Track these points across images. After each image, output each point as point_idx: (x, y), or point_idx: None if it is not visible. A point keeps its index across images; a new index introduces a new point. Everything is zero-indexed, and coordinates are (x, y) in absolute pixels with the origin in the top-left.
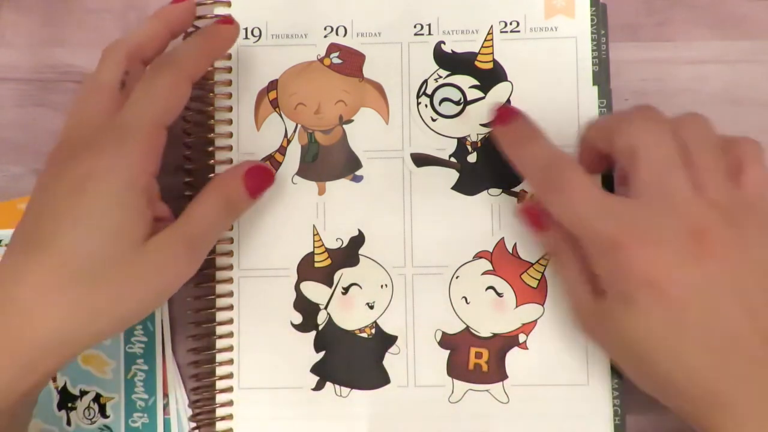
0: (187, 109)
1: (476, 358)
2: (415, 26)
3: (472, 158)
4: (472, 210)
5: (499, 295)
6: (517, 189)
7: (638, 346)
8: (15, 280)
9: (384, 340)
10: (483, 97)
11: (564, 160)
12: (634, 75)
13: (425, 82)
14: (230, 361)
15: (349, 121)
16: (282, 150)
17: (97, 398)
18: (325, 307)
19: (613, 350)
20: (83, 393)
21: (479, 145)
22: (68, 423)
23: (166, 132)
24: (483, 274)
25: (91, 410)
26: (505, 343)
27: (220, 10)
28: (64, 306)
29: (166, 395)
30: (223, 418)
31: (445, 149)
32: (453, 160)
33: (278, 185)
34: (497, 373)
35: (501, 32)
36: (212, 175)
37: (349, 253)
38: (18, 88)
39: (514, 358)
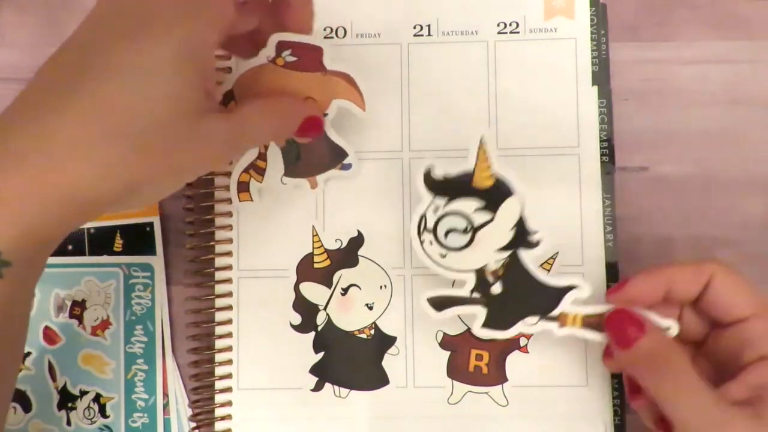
0: None
1: (477, 360)
2: (414, 27)
3: (496, 289)
4: None
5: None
6: (555, 313)
7: None
8: (53, 128)
9: (383, 341)
10: (492, 219)
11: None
12: (634, 75)
13: (423, 217)
14: (229, 362)
15: (324, 116)
16: (262, 156)
17: (97, 398)
18: (325, 308)
19: None
20: (83, 393)
21: (501, 273)
22: (68, 423)
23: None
24: None
25: (91, 410)
26: (506, 346)
27: None
28: (100, 165)
29: (166, 395)
30: (222, 418)
31: (464, 284)
32: (476, 295)
33: (269, 188)
34: (497, 375)
35: (500, 33)
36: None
37: (348, 254)
38: (18, 88)
39: (514, 362)
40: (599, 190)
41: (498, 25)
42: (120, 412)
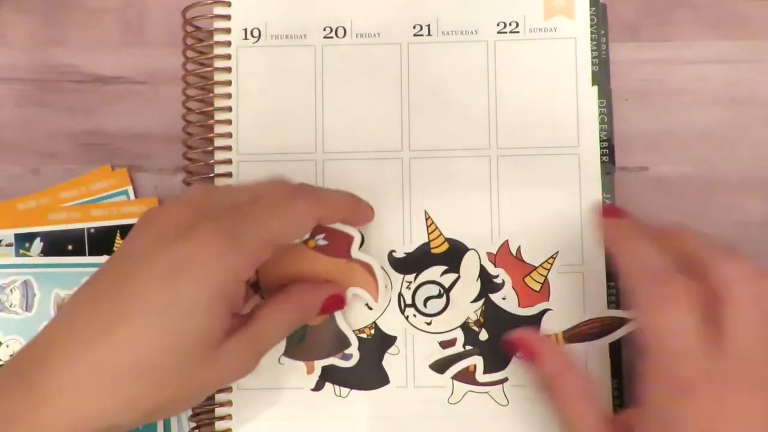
0: (187, 109)
1: None
2: (414, 27)
3: (483, 336)
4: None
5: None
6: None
7: None
8: (85, 366)
9: (383, 341)
10: (459, 277)
11: (671, 270)
12: (634, 75)
13: (400, 295)
14: None
15: None
16: None
17: None
18: None
19: None
20: None
21: (482, 320)
22: None
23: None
24: None
25: None
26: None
27: (219, 10)
28: (124, 399)
29: None
30: (222, 418)
31: (455, 340)
32: (469, 347)
33: (265, 365)
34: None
35: (500, 33)
36: (212, 175)
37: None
38: (18, 88)
39: (514, 361)
40: (599, 190)
41: (498, 24)
42: None
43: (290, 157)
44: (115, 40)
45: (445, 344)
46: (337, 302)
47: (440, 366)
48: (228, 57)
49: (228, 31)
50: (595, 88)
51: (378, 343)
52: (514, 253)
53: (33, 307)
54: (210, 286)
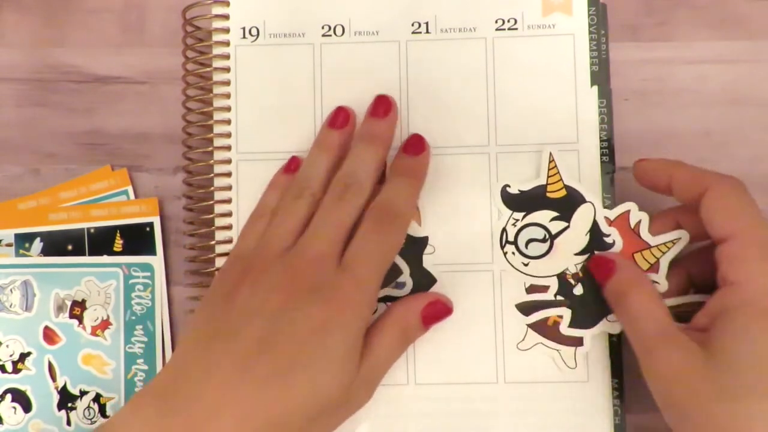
0: (187, 109)
1: None
2: (412, 24)
3: (578, 291)
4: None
5: None
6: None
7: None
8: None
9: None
10: (568, 226)
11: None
12: (634, 75)
13: (504, 230)
14: None
15: None
16: None
17: (97, 398)
18: None
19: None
20: (83, 393)
21: (581, 275)
22: (68, 423)
23: None
24: None
25: (91, 410)
26: None
27: (218, 10)
28: None
29: None
30: None
31: (548, 288)
32: (560, 298)
33: None
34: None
35: (498, 30)
36: (212, 175)
37: None
38: (18, 88)
39: (602, 323)
40: (599, 189)
41: (496, 21)
42: None
43: (290, 155)
44: (115, 40)
45: (534, 289)
46: (439, 309)
47: (526, 308)
48: (227, 57)
49: (227, 30)
50: (595, 88)
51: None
52: (632, 225)
53: (33, 307)
54: (352, 337)
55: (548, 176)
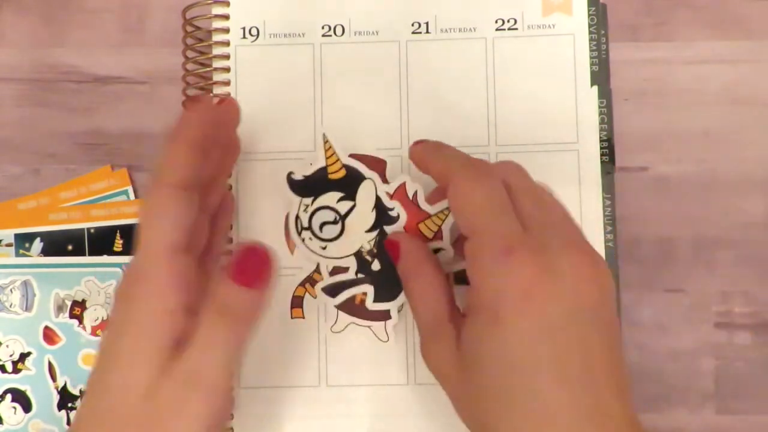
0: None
1: None
2: (412, 24)
3: (376, 266)
4: None
5: None
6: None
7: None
8: None
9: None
10: (354, 205)
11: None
12: (634, 75)
13: (297, 217)
14: None
15: None
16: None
17: None
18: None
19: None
20: (83, 393)
21: (375, 250)
22: (68, 423)
23: (188, 255)
24: None
25: None
26: None
27: (218, 10)
28: None
29: None
30: None
31: (348, 268)
32: (361, 275)
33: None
34: None
35: (498, 30)
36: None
37: None
38: (18, 88)
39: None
40: (599, 190)
41: (496, 21)
42: None
43: (289, 155)
44: (115, 40)
45: (337, 270)
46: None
47: (332, 289)
48: (227, 56)
49: (227, 30)
50: (595, 88)
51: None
52: (410, 196)
53: (33, 307)
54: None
55: (326, 158)
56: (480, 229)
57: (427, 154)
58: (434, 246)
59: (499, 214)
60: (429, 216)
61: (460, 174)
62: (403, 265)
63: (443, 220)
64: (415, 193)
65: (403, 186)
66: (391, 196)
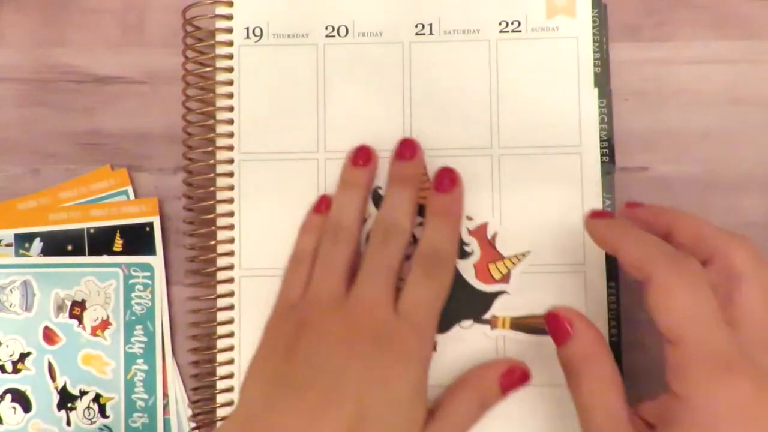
0: (188, 109)
1: None
2: (416, 26)
3: None
4: None
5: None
6: (487, 316)
7: None
8: None
9: None
10: None
11: (682, 251)
12: (634, 75)
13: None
14: (231, 361)
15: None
16: None
17: (97, 398)
18: None
19: None
20: (83, 393)
21: None
22: (68, 423)
23: None
24: None
25: (90, 410)
26: None
27: (221, 10)
28: None
29: (166, 395)
30: (223, 418)
31: None
32: None
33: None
34: None
35: (502, 32)
36: (212, 175)
37: None
38: (18, 88)
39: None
40: (599, 190)
41: (500, 23)
42: (120, 412)
43: (292, 156)
44: (115, 40)
45: None
46: (518, 375)
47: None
48: (230, 57)
49: (230, 30)
50: (597, 89)
51: None
52: (489, 236)
53: (33, 307)
54: (418, 385)
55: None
56: (690, 340)
57: (614, 235)
58: (499, 289)
59: (712, 325)
60: (502, 258)
61: (663, 271)
62: (574, 350)
63: (515, 265)
64: (495, 235)
65: (484, 226)
66: (471, 232)
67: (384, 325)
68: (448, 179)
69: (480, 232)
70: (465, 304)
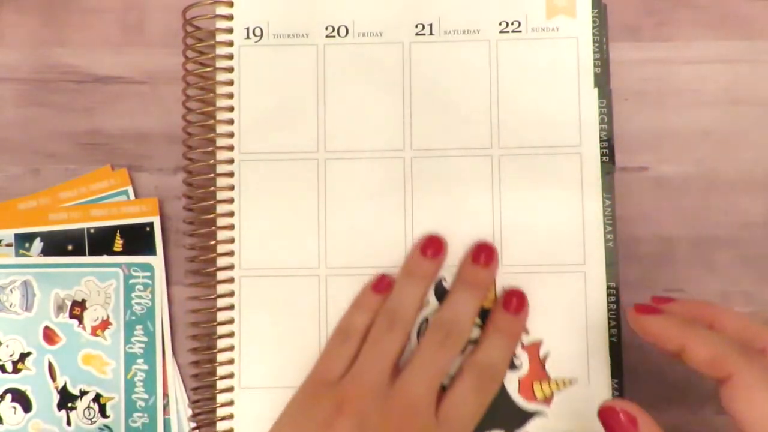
0: (188, 109)
1: None
2: (416, 26)
3: None
4: None
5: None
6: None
7: None
8: None
9: None
10: None
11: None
12: (634, 75)
13: (425, 319)
14: (231, 361)
15: None
16: None
17: (97, 398)
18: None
19: None
20: (83, 393)
21: None
22: (68, 423)
23: None
24: None
25: (91, 410)
26: None
27: (221, 10)
28: None
29: (166, 395)
30: (223, 418)
31: None
32: None
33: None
34: None
35: (502, 32)
36: (212, 175)
37: None
38: (18, 88)
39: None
40: (599, 190)
41: (500, 24)
42: (120, 412)
43: (292, 156)
44: (115, 40)
45: None
46: None
47: None
48: (230, 57)
49: (230, 30)
50: (596, 89)
51: None
52: (540, 355)
53: (33, 307)
54: None
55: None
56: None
57: (677, 333)
58: (538, 408)
59: None
60: (548, 379)
61: (745, 371)
62: None
63: (560, 389)
64: (547, 355)
65: (538, 344)
66: (524, 347)
67: (422, 426)
68: (517, 301)
69: (533, 349)
70: (501, 414)
